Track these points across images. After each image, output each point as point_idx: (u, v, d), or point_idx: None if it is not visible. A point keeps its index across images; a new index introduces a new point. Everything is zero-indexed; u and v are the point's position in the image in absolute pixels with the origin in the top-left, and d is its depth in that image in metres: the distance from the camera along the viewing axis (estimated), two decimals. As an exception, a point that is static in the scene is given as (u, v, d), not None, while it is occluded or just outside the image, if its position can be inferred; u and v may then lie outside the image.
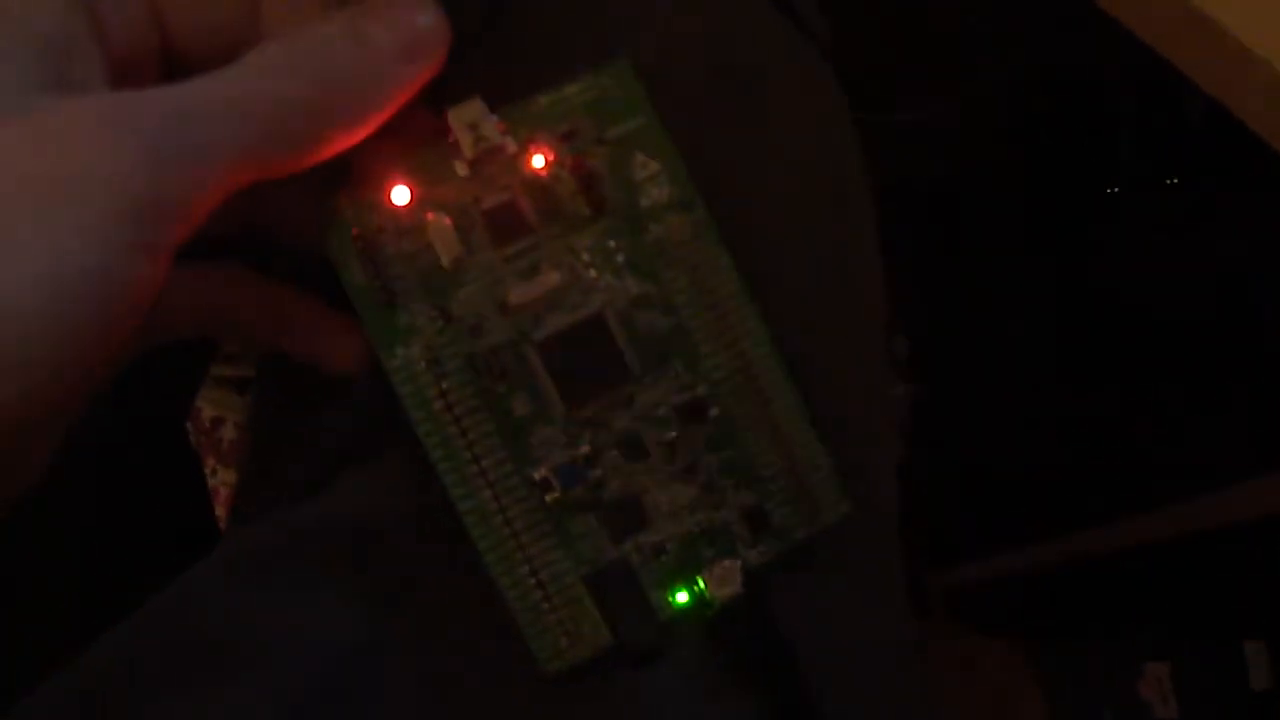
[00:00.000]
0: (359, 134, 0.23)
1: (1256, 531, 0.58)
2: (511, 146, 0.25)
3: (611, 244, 0.26)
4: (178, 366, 0.39)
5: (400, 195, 0.25)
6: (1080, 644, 0.68)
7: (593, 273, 0.26)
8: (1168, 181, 0.61)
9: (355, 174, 0.25)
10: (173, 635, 0.25)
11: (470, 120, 0.25)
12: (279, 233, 0.27)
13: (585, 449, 0.25)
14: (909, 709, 0.29)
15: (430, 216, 0.25)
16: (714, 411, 0.26)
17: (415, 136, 0.25)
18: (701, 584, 0.25)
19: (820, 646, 0.26)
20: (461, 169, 0.25)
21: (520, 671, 0.25)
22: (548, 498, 0.25)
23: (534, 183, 0.25)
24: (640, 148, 0.26)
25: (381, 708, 0.25)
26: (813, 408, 0.26)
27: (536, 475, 0.25)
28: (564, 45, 0.27)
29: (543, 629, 0.25)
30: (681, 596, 0.25)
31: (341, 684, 0.25)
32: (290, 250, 0.27)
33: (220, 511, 0.42)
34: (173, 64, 0.24)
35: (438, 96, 0.25)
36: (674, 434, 0.25)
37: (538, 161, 0.25)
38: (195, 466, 0.42)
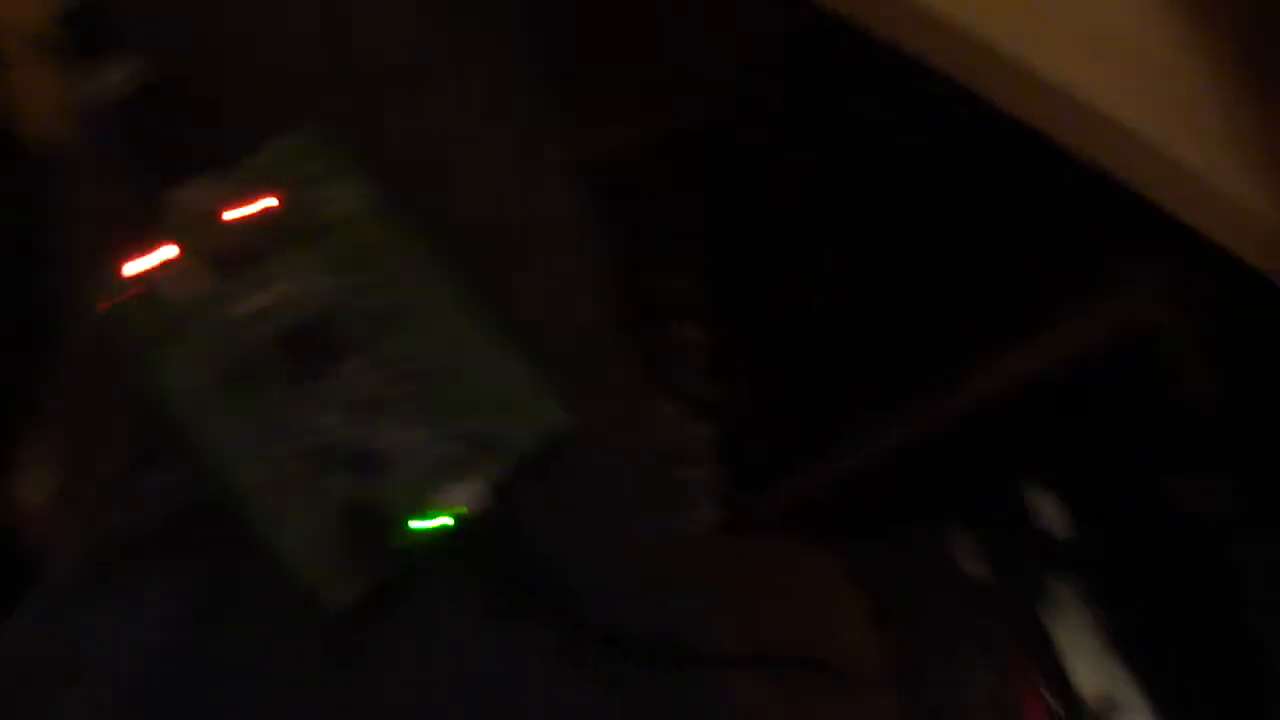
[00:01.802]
0: None
1: (1014, 396, 0.61)
2: (226, 205, 0.32)
3: (322, 254, 0.32)
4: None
5: (145, 263, 0.31)
6: (890, 532, 0.70)
7: (310, 279, 0.31)
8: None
9: (115, 249, 0.31)
10: (15, 657, 0.29)
11: (193, 195, 0.32)
12: None
13: (327, 417, 0.30)
14: (667, 593, 0.32)
15: (176, 267, 0.31)
16: (428, 363, 0.31)
17: (156, 212, 0.32)
18: (448, 509, 0.30)
19: (568, 544, 0.30)
20: (189, 234, 0.32)
21: (315, 617, 0.29)
22: (301, 464, 0.30)
23: (245, 228, 0.32)
24: (331, 179, 0.32)
25: (209, 682, 0.28)
26: (520, 337, 0.31)
27: (290, 447, 0.30)
28: (252, 119, 0.34)
29: (321, 574, 0.29)
30: (426, 522, 0.30)
31: (169, 670, 0.28)
32: None
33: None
34: None
35: (169, 177, 0.32)
36: (398, 389, 0.31)
37: (244, 211, 0.32)
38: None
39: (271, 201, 0.32)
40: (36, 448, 0.55)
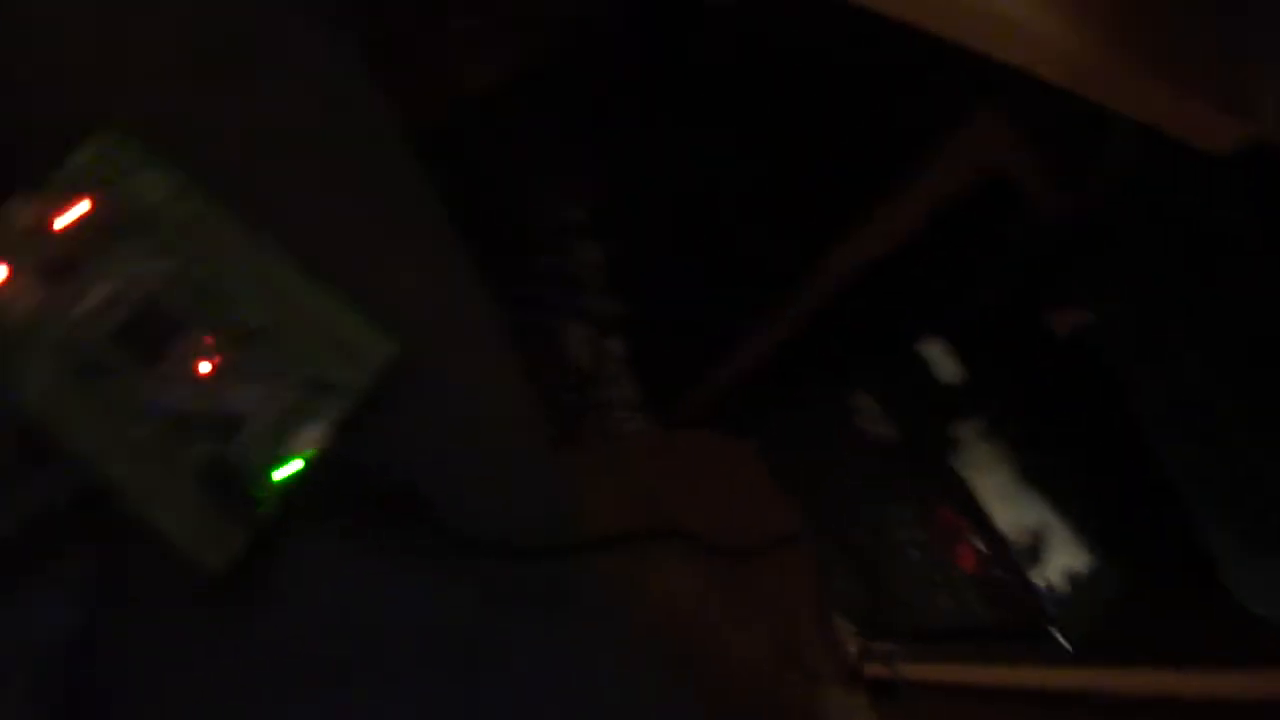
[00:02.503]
0: None
1: (889, 257, 0.64)
2: (41, 217, 0.33)
3: (141, 243, 0.33)
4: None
5: None
6: (799, 412, 0.73)
7: (134, 269, 0.33)
8: None
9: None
10: None
11: (10, 210, 0.33)
12: None
13: (175, 393, 0.32)
14: (516, 495, 0.34)
15: (7, 284, 0.33)
16: (254, 323, 0.33)
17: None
18: (300, 453, 0.32)
19: (416, 465, 0.32)
20: (21, 243, 0.33)
21: (200, 582, 0.31)
22: (161, 439, 0.32)
23: (74, 230, 0.33)
24: (137, 173, 0.34)
25: (121, 661, 0.30)
26: (350, 287, 0.33)
27: (145, 428, 0.32)
28: (66, 124, 0.35)
29: (199, 540, 0.31)
30: (289, 468, 0.31)
31: (80, 656, 0.30)
32: None
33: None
34: None
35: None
36: (234, 353, 0.32)
37: (68, 217, 0.33)
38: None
39: (86, 203, 0.34)
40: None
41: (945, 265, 0.68)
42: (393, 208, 0.38)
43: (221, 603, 0.31)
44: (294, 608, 0.31)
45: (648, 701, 0.35)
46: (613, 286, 0.79)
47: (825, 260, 0.68)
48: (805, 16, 0.60)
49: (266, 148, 0.36)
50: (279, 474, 0.32)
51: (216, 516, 0.31)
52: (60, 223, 0.34)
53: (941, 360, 0.69)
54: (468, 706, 0.31)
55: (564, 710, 0.33)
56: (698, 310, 0.78)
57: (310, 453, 0.32)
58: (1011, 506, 0.67)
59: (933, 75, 0.60)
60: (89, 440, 0.32)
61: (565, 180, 0.79)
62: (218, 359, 0.32)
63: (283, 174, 0.36)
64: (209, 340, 0.33)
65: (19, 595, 0.31)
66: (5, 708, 0.30)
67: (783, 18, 0.63)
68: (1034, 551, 0.67)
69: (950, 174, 0.61)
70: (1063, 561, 0.67)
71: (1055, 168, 0.60)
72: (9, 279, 0.33)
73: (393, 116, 0.40)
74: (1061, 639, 0.67)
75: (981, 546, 0.67)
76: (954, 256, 0.68)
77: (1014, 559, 0.66)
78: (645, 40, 0.74)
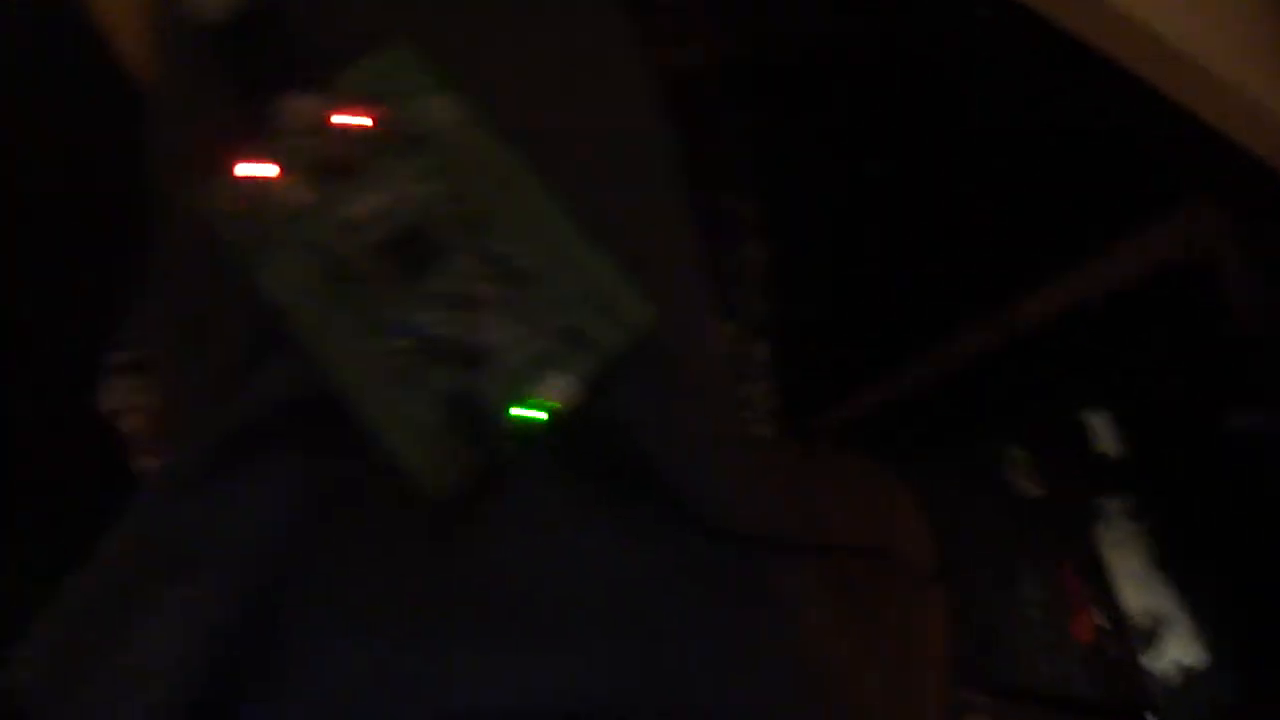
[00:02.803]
0: None
1: (1074, 321, 0.63)
2: (332, 114, 0.33)
3: (420, 163, 0.33)
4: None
5: (254, 169, 0.33)
6: (947, 450, 0.72)
7: (409, 186, 0.33)
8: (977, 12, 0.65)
9: (219, 161, 0.33)
10: (138, 549, 0.31)
11: (297, 105, 0.33)
12: None
13: (429, 315, 0.32)
14: (743, 484, 0.34)
15: (280, 177, 0.33)
16: (523, 263, 0.33)
17: (259, 125, 0.33)
18: (544, 399, 0.31)
19: (660, 433, 0.32)
20: (298, 139, 0.33)
21: (418, 507, 0.31)
22: (405, 359, 0.32)
23: (354, 135, 0.33)
24: (428, 92, 0.34)
25: (321, 573, 0.31)
26: (613, 248, 0.33)
27: (393, 344, 0.32)
28: (356, 30, 0.35)
29: (426, 462, 0.31)
30: (526, 412, 0.31)
31: (283, 561, 0.30)
32: None
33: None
34: None
35: (269, 92, 0.33)
36: (494, 288, 0.32)
37: (354, 120, 0.33)
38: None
39: (369, 114, 0.34)
40: (131, 350, 0.58)
41: (1128, 338, 0.67)
42: (654, 172, 0.38)
43: (431, 532, 0.31)
44: (502, 549, 0.31)
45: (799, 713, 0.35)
46: (770, 289, 0.78)
47: (1006, 306, 0.67)
48: (1036, 64, 0.59)
49: (547, 90, 0.36)
50: (518, 416, 0.32)
51: (447, 444, 0.31)
52: (339, 126, 0.34)
53: (1104, 431, 0.68)
54: (646, 676, 0.31)
55: (735, 700, 0.33)
56: (855, 329, 0.78)
57: (552, 403, 0.32)
58: (1140, 588, 0.66)
59: (1159, 137, 0.59)
60: (330, 344, 0.32)
61: (743, 174, 0.79)
62: (476, 290, 0.32)
63: (560, 120, 0.36)
64: (470, 270, 0.33)
65: (227, 486, 0.32)
66: (191, 594, 0.30)
67: (1020, 71, 0.62)
68: (1152, 636, 0.66)
69: (1153, 249, 0.60)
70: (1179, 653, 0.66)
71: (1263, 263, 0.59)
72: (283, 167, 0.33)
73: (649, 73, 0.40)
74: (1160, 728, 0.66)
75: (1101, 620, 0.67)
76: (1139, 331, 0.66)
77: (1131, 639, 0.65)
78: (863, 52, 0.73)
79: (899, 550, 0.58)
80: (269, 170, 0.33)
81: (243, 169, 0.33)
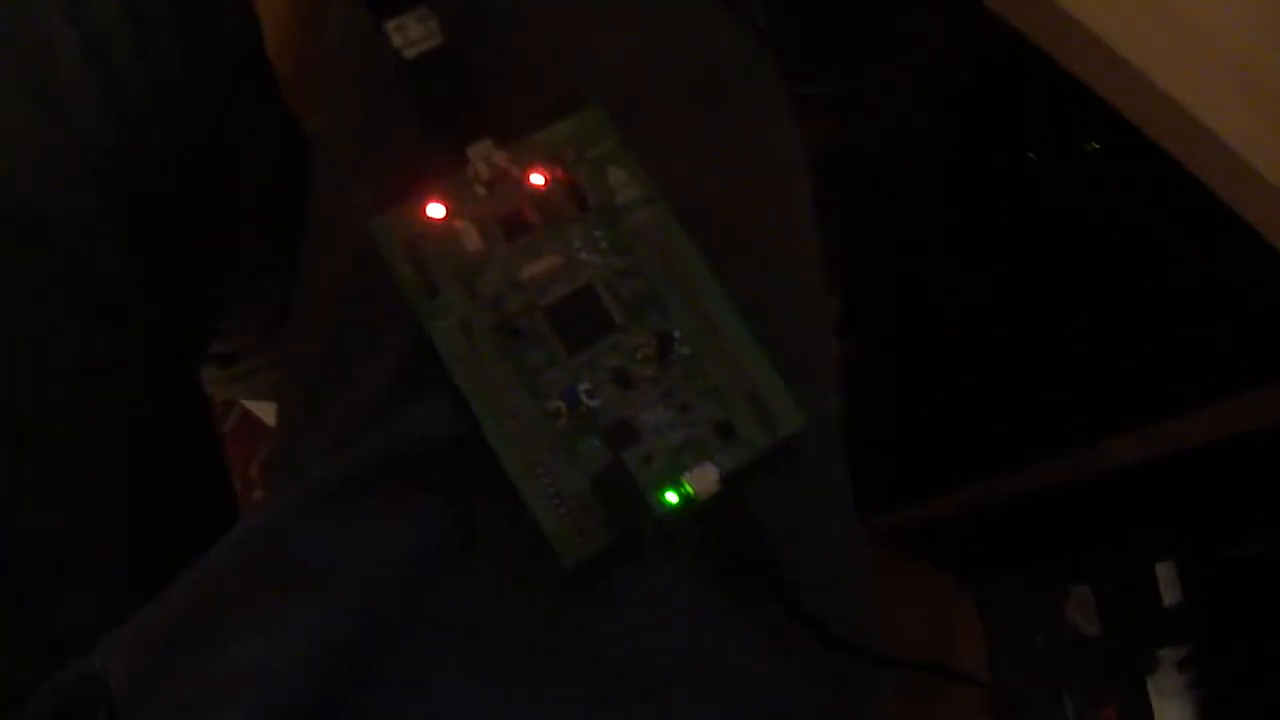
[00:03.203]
0: None
1: (1163, 466, 0.62)
2: (516, 171, 0.34)
3: (596, 233, 0.34)
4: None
5: (435, 210, 0.33)
6: (1010, 574, 0.71)
7: (583, 254, 0.33)
8: (1086, 147, 0.66)
9: (398, 197, 0.33)
10: (259, 558, 0.32)
11: (485, 154, 0.34)
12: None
13: (586, 384, 0.32)
14: (863, 598, 0.34)
15: (458, 223, 0.33)
16: (684, 350, 0.33)
17: (442, 168, 0.34)
18: (686, 486, 0.32)
19: (788, 536, 0.32)
20: (480, 189, 0.34)
21: (545, 566, 0.31)
22: (559, 424, 0.32)
23: (534, 195, 0.34)
24: (612, 163, 0.34)
25: (441, 611, 0.31)
26: (767, 344, 0.33)
27: (549, 406, 0.32)
28: (545, 91, 0.36)
29: (560, 527, 0.31)
30: (671, 496, 0.32)
31: (408, 592, 0.31)
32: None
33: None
34: None
35: (457, 138, 0.34)
36: (654, 369, 0.33)
37: (536, 179, 0.34)
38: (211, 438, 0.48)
39: (553, 174, 0.34)
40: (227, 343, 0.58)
41: (1216, 493, 0.67)
42: (808, 269, 0.38)
43: (556, 593, 0.31)
44: (623, 620, 0.31)
45: None
46: (846, 385, 0.78)
47: (1093, 441, 0.67)
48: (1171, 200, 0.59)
49: (724, 174, 0.36)
50: (659, 499, 0.32)
51: (586, 515, 0.31)
52: (523, 181, 0.34)
53: (1170, 582, 0.68)
54: None
55: None
56: (934, 433, 0.77)
57: (692, 491, 0.32)
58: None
59: (1265, 314, 0.59)
60: (486, 396, 0.32)
61: (836, 265, 0.79)
62: (636, 368, 0.33)
63: (733, 206, 0.36)
64: (634, 347, 0.33)
65: (362, 510, 0.32)
66: (309, 607, 0.31)
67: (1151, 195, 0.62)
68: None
69: (1259, 413, 0.60)
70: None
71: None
72: (466, 213, 0.34)
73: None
74: None
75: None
76: (1228, 489, 0.66)
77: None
78: (970, 155, 0.73)
79: (958, 665, 0.58)
80: (447, 213, 0.34)
81: (423, 208, 0.34)
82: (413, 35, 0.35)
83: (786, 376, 0.33)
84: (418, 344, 0.33)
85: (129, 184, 0.42)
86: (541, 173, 0.34)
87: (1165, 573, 0.69)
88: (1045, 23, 0.39)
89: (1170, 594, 0.69)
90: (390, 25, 0.35)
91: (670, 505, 0.32)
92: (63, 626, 0.37)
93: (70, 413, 0.39)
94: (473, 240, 0.33)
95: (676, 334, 0.33)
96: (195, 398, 0.46)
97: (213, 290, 0.49)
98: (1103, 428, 0.67)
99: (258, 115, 0.48)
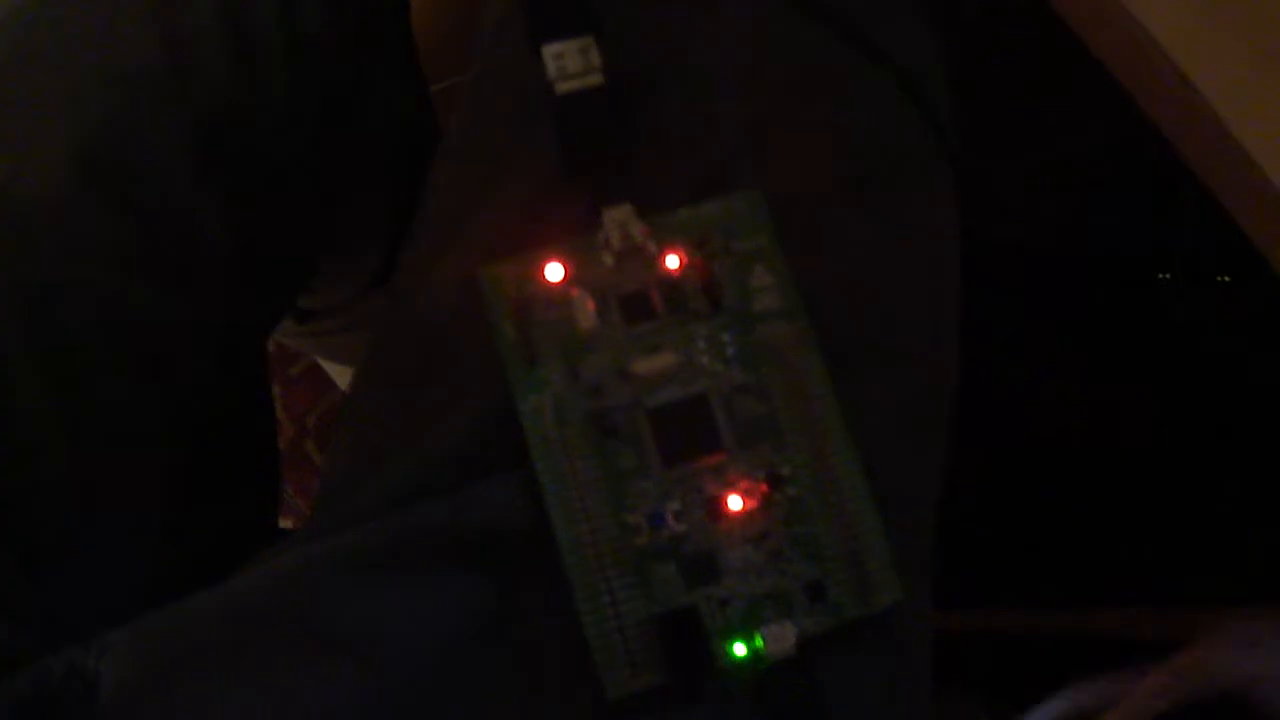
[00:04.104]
0: None
1: None
2: (652, 248, 0.31)
3: (724, 337, 0.30)
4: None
5: (554, 272, 0.30)
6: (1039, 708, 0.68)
7: (704, 359, 0.30)
8: (1218, 279, 0.62)
9: (516, 245, 0.30)
10: (286, 606, 0.29)
11: (621, 220, 0.30)
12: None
13: (675, 504, 0.29)
14: None
15: (575, 292, 0.30)
16: (791, 490, 0.29)
17: (571, 226, 0.30)
18: (758, 640, 0.28)
19: (852, 710, 0.29)
20: (608, 259, 0.30)
21: (587, 691, 0.28)
22: (636, 540, 0.29)
23: (666, 279, 0.30)
24: (760, 261, 0.31)
25: (471, 705, 0.29)
26: (880, 504, 0.30)
27: (630, 519, 0.29)
28: (700, 164, 0.32)
29: (612, 656, 0.28)
30: (739, 648, 0.28)
31: (439, 677, 0.28)
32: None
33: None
34: None
35: (595, 197, 0.30)
36: (754, 504, 0.29)
37: (672, 262, 0.30)
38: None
39: (691, 260, 0.31)
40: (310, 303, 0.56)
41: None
42: (940, 437, 0.34)
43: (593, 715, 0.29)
44: None
45: None
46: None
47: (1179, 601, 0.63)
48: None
49: (890, 307, 0.33)
50: (726, 650, 0.29)
51: (644, 647, 0.28)
52: (657, 260, 0.31)
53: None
54: None
55: None
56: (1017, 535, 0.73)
57: (763, 648, 0.29)
58: None
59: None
60: (565, 494, 0.29)
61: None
62: (735, 499, 0.29)
63: (880, 349, 0.32)
64: (737, 476, 0.30)
65: (412, 584, 0.29)
66: (349, 673, 0.28)
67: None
68: None
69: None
70: None
71: None
72: (586, 282, 0.30)
73: None
74: None
75: None
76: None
77: None
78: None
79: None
80: (565, 277, 0.30)
81: (541, 266, 0.30)
82: (570, 67, 0.32)
83: (898, 544, 0.30)
84: (500, 414, 0.30)
85: (238, 140, 0.39)
86: (679, 255, 0.31)
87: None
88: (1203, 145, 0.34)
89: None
90: (548, 51, 0.32)
91: (736, 658, 0.29)
92: (67, 596, 0.35)
93: (125, 372, 0.36)
94: (587, 315, 0.30)
95: (786, 471, 0.30)
96: (261, 375, 0.44)
97: (307, 261, 0.46)
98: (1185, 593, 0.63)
99: (390, 84, 0.44)
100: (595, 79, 0.32)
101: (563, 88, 0.32)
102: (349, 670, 0.28)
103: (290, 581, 0.30)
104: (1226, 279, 0.66)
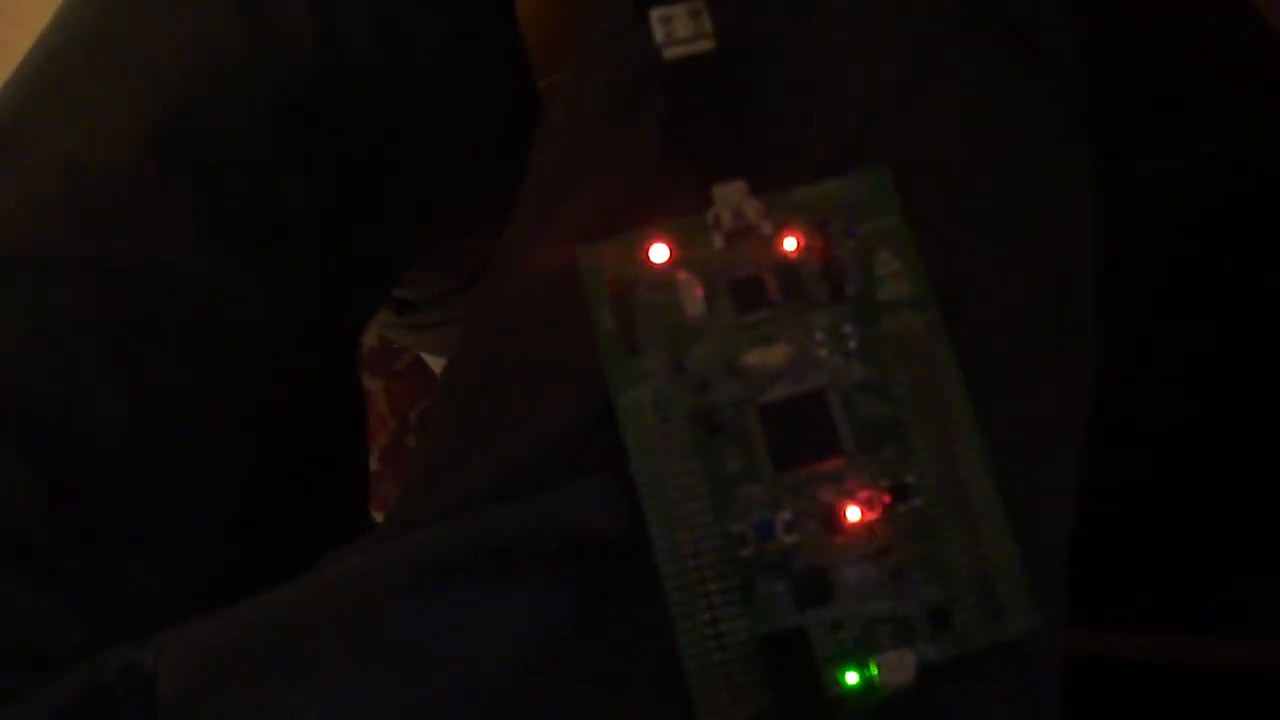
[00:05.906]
0: None
1: None
2: (767, 228, 0.28)
3: (845, 329, 0.27)
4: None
5: (658, 253, 0.27)
6: None
7: (823, 352, 0.27)
8: None
9: (618, 223, 0.27)
10: (351, 614, 0.27)
11: (733, 198, 0.28)
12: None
13: (786, 514, 0.26)
14: None
15: (682, 276, 0.27)
16: (917, 502, 0.26)
17: (679, 205, 0.28)
18: (873, 669, 0.25)
19: None
20: (718, 240, 0.28)
21: (674, 699, 0.26)
22: (742, 552, 0.26)
23: (782, 263, 0.27)
24: (886, 246, 0.27)
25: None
26: (1014, 520, 0.26)
27: (735, 529, 0.26)
28: (820, 139, 0.29)
29: (709, 680, 0.25)
30: (851, 677, 0.25)
31: (508, 698, 0.26)
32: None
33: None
34: None
35: (705, 173, 0.28)
36: (874, 516, 0.26)
37: (789, 244, 0.27)
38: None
39: (810, 243, 0.28)
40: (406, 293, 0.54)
41: None
42: (1074, 454, 0.31)
43: None
44: None
45: None
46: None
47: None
48: None
49: (1027, 310, 0.29)
50: (838, 677, 0.26)
51: (745, 671, 0.26)
52: (772, 242, 0.28)
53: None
54: None
55: None
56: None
57: (877, 677, 0.25)
58: None
59: None
60: (665, 499, 0.26)
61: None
62: (854, 510, 0.26)
63: (1023, 352, 0.29)
64: (858, 485, 0.27)
65: (486, 600, 0.27)
66: (407, 703, 0.26)
67: None
68: None
69: None
70: None
71: None
72: (695, 266, 0.28)
73: None
74: None
75: None
76: None
77: None
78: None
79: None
80: (671, 258, 0.28)
81: (646, 247, 0.28)
82: (679, 31, 0.29)
83: (1036, 569, 0.26)
84: (596, 409, 0.27)
85: (324, 123, 0.37)
86: (798, 237, 0.28)
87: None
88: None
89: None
90: (655, 14, 0.29)
91: (848, 687, 0.26)
92: (129, 589, 0.33)
93: (194, 356, 0.35)
94: (694, 301, 0.27)
95: (911, 481, 0.26)
96: (349, 364, 0.42)
97: (401, 249, 0.45)
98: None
99: (491, 70, 0.42)
100: (706, 44, 0.29)
101: (671, 54, 0.29)
102: (409, 685, 0.26)
103: (352, 588, 0.28)
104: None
